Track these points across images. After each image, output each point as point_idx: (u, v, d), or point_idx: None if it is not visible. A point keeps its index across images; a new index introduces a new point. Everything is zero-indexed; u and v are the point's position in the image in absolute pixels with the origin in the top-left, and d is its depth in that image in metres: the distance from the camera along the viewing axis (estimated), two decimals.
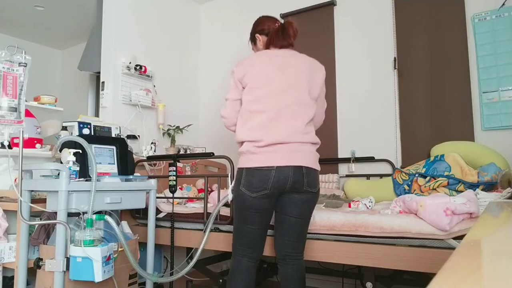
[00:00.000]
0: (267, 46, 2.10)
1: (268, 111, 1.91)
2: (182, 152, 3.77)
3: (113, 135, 2.64)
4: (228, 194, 2.29)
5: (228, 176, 2.53)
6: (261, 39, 2.17)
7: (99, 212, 2.12)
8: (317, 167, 1.99)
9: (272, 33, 2.10)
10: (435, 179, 2.62)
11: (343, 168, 3.41)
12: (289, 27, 2.07)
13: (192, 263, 2.47)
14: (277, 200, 1.98)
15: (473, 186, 2.45)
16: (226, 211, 2.55)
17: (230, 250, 2.53)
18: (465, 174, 2.53)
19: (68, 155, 2.12)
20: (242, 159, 1.96)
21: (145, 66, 3.54)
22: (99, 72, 3.52)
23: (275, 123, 1.90)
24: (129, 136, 3.24)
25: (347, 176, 3.33)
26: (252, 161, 1.90)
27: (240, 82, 2.00)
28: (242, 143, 1.96)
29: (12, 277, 2.27)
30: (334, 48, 3.55)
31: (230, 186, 2.47)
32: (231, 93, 2.05)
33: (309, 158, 1.94)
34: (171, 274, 2.80)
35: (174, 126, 3.79)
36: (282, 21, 2.18)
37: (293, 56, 2.04)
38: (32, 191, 2.16)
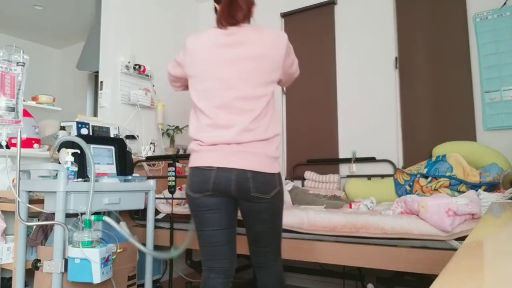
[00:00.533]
0: (217, 22, 1.77)
1: (211, 108, 1.71)
2: (181, 152, 3.76)
3: (111, 135, 2.63)
4: None
5: None
6: (218, 9, 1.82)
7: (97, 213, 2.11)
8: (270, 169, 1.71)
9: (221, 5, 1.77)
10: (436, 179, 2.61)
11: (344, 169, 3.39)
12: None
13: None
14: (239, 206, 1.81)
15: (475, 186, 2.44)
16: None
17: None
18: (467, 174, 2.52)
19: (66, 155, 2.11)
20: (190, 158, 1.79)
21: (144, 66, 3.54)
22: (97, 72, 3.51)
23: (217, 121, 1.70)
24: (128, 136, 3.23)
25: (348, 176, 3.32)
26: (195, 161, 1.72)
27: (184, 67, 1.81)
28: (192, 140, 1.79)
29: (10, 278, 2.26)
30: (334, 47, 3.54)
31: None
32: (174, 67, 1.91)
33: (257, 160, 1.68)
34: (170, 275, 2.78)
35: (173, 126, 3.78)
36: None
37: (244, 36, 1.73)
38: (30, 191, 2.15)
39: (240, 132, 1.67)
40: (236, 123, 1.67)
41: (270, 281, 1.87)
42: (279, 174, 1.76)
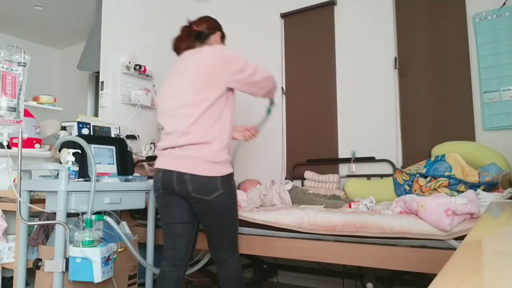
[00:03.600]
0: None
1: (162, 118, 2.02)
2: None
3: (112, 135, 2.63)
4: None
5: None
6: None
7: (98, 213, 2.12)
8: (210, 173, 1.86)
9: None
10: (436, 179, 2.62)
11: (343, 168, 3.40)
12: (181, 31, 2.15)
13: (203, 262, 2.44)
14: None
15: (474, 186, 2.44)
16: None
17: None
18: (466, 174, 2.53)
19: (67, 155, 2.12)
20: None
21: (144, 66, 3.54)
22: (98, 72, 3.51)
23: (165, 128, 1.98)
24: (128, 136, 3.23)
25: (348, 176, 3.33)
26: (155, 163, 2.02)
27: None
28: None
29: (11, 278, 2.26)
30: (334, 48, 3.54)
31: None
32: None
33: (193, 164, 1.86)
34: None
35: None
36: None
37: (188, 56, 2.05)
38: (31, 191, 2.16)
39: (179, 136, 1.90)
40: (176, 128, 1.92)
41: (227, 276, 2.04)
42: (222, 178, 1.89)
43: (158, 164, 1.96)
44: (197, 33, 2.12)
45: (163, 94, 2.06)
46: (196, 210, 1.95)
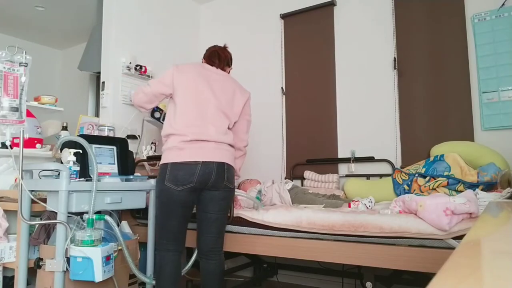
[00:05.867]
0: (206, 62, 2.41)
1: (195, 113, 2.15)
2: None
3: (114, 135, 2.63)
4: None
5: None
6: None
7: (99, 212, 2.13)
8: (234, 165, 2.27)
9: (209, 52, 2.42)
10: (434, 179, 2.62)
11: (343, 168, 3.41)
12: (221, 52, 2.40)
13: (190, 263, 2.47)
14: (198, 197, 2.17)
15: (472, 186, 2.45)
16: None
17: (231, 250, 2.54)
18: (464, 174, 2.53)
19: (69, 155, 2.12)
20: (167, 154, 2.11)
21: (145, 66, 3.54)
22: (99, 72, 3.51)
23: (200, 123, 2.14)
24: (129, 136, 3.24)
25: (347, 176, 3.34)
26: (178, 156, 2.07)
27: (171, 83, 2.22)
28: (168, 136, 2.15)
29: (12, 277, 2.27)
30: (334, 48, 3.55)
31: None
32: (157, 85, 2.27)
33: (229, 156, 2.20)
34: None
35: None
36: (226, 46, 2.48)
37: (223, 74, 2.35)
38: (32, 191, 2.16)
39: (217, 133, 2.18)
40: (215, 126, 2.20)
41: (216, 269, 2.22)
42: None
43: (192, 156, 2.07)
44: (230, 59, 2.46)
45: (194, 90, 2.19)
46: (211, 198, 2.17)
